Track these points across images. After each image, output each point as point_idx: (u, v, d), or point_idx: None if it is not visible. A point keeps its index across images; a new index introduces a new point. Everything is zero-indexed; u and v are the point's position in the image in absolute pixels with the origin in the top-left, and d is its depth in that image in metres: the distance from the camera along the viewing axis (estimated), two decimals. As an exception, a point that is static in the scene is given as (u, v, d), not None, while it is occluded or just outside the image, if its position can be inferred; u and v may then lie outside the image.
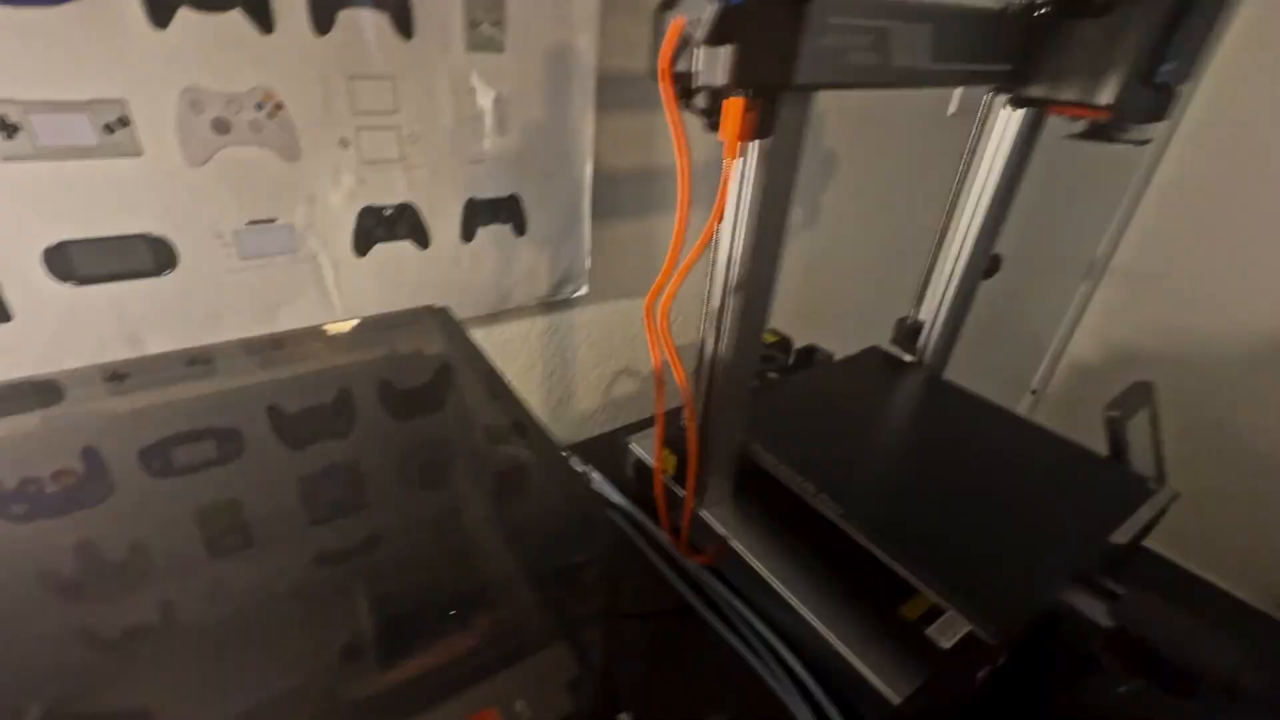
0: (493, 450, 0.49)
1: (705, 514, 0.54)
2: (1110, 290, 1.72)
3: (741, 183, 0.42)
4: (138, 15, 0.46)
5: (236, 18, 0.49)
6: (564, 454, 0.45)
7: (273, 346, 0.57)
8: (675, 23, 0.36)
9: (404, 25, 0.56)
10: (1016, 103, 0.58)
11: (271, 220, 0.57)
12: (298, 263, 0.60)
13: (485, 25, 0.59)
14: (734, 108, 0.37)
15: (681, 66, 0.38)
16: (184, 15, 0.48)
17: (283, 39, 0.51)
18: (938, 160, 1.12)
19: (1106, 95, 0.47)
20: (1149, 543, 0.56)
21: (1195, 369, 1.56)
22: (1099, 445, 0.60)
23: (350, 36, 0.54)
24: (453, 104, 0.61)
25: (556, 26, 0.63)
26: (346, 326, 0.60)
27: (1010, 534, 0.49)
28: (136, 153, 0.50)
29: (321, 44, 0.53)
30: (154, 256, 0.53)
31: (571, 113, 0.68)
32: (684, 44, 0.37)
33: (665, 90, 0.38)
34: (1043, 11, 0.48)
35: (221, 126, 0.52)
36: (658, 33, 0.38)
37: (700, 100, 0.39)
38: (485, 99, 0.62)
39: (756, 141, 0.40)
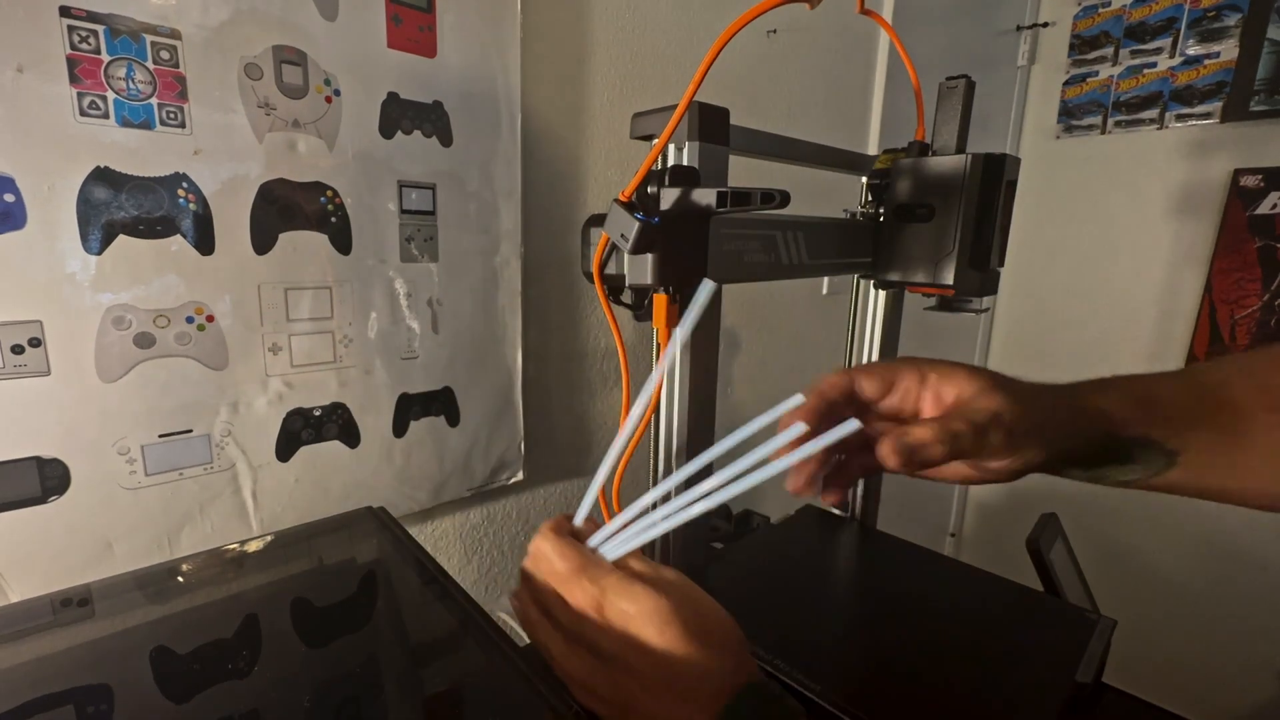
0: (451, 668, 0.44)
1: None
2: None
3: (673, 361, 0.47)
4: (73, 243, 0.47)
5: (177, 243, 0.52)
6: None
7: (170, 575, 0.51)
8: (603, 236, 0.43)
9: (342, 244, 0.61)
10: (880, 285, 0.70)
11: (187, 431, 0.54)
12: (212, 474, 0.56)
13: (419, 240, 0.66)
14: (661, 302, 0.42)
15: (610, 270, 0.43)
16: (122, 242, 0.49)
17: (222, 259, 0.54)
18: (820, 328, 1.28)
19: (947, 277, 0.59)
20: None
21: (1086, 498, 1.71)
22: (1024, 581, 0.63)
23: (290, 254, 0.58)
24: (388, 309, 0.64)
25: (483, 238, 0.71)
26: (266, 540, 0.55)
27: (986, 685, 0.49)
28: (43, 373, 0.48)
29: (261, 261, 0.56)
30: (41, 481, 0.48)
31: (500, 309, 0.73)
32: (611, 252, 0.43)
33: (598, 289, 0.43)
34: (884, 219, 0.60)
35: (145, 341, 0.51)
36: (587, 243, 0.44)
37: (627, 296, 0.45)
38: (419, 303, 0.67)
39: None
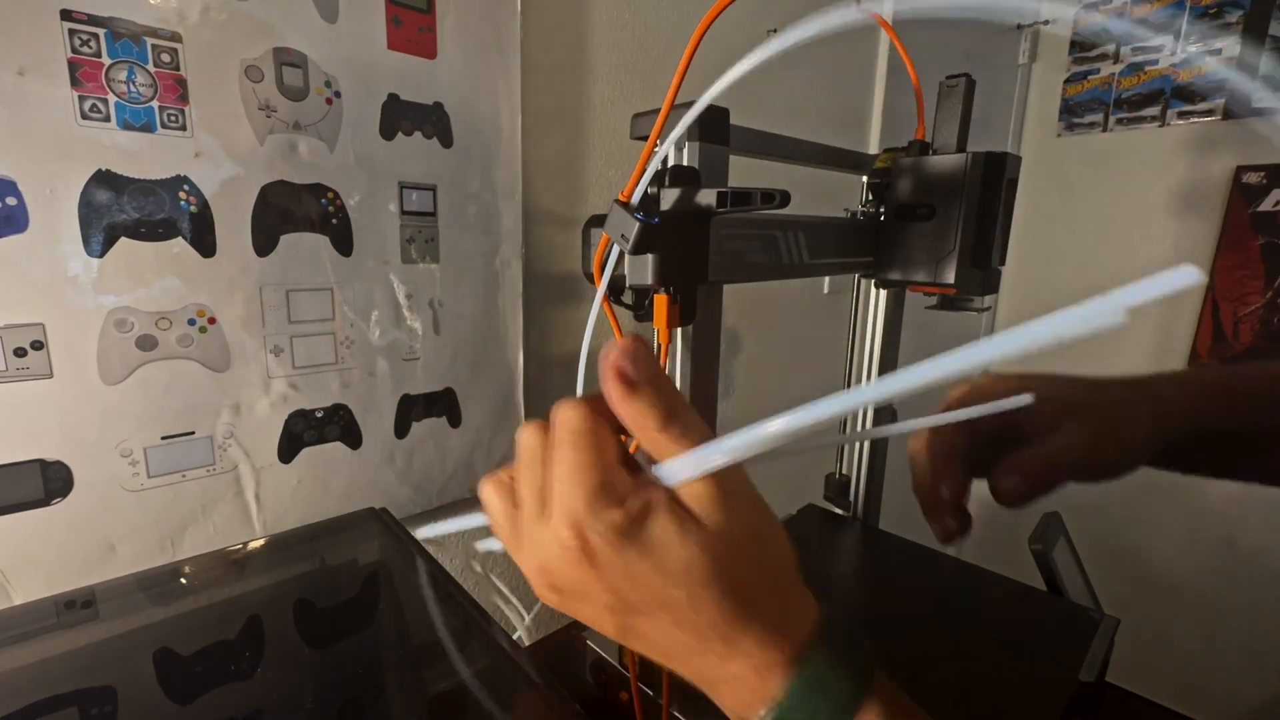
0: (452, 670, 0.44)
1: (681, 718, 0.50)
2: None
3: (675, 361, 0.47)
4: (74, 245, 0.48)
5: (178, 245, 0.52)
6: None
7: (173, 577, 0.51)
8: (604, 237, 0.43)
9: (344, 245, 0.61)
10: (881, 284, 0.70)
11: (190, 433, 0.54)
12: (215, 476, 0.56)
13: (420, 242, 0.66)
14: (662, 302, 0.42)
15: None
16: (124, 244, 0.50)
17: (224, 261, 0.54)
18: (821, 328, 1.28)
19: (949, 276, 0.59)
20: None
21: (1088, 497, 1.70)
22: (1027, 580, 0.63)
23: (291, 256, 0.58)
24: (390, 310, 0.64)
25: (484, 239, 0.71)
26: (269, 542, 0.55)
27: (990, 683, 0.49)
28: (46, 375, 0.48)
29: (263, 263, 0.56)
30: (44, 484, 0.48)
31: (501, 310, 0.73)
32: (611, 252, 0.43)
33: (600, 290, 0.43)
34: (885, 218, 0.60)
35: (147, 343, 0.51)
36: (588, 243, 0.44)
37: (628, 297, 0.45)
38: (420, 304, 0.67)
39: (681, 327, 0.45)
